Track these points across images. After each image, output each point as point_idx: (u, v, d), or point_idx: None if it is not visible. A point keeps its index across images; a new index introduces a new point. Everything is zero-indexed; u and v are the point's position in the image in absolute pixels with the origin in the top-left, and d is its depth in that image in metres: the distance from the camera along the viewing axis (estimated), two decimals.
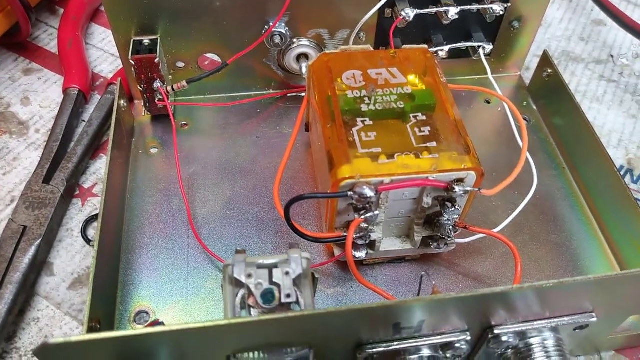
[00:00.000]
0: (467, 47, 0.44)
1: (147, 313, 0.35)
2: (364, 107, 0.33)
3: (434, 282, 0.34)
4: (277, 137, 0.44)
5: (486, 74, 0.43)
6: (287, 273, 0.27)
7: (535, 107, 0.46)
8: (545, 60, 0.44)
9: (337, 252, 0.35)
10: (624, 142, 0.46)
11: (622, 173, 0.44)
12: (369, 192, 0.30)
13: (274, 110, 0.46)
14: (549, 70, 0.44)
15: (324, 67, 0.36)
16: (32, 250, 0.36)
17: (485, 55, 0.44)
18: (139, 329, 0.24)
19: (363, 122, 0.33)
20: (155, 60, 0.40)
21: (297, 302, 0.27)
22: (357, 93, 0.34)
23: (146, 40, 0.41)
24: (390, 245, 0.35)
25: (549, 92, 0.44)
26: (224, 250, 0.37)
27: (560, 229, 0.39)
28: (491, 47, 0.44)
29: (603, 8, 0.53)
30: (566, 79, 0.50)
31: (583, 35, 0.55)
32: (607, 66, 0.52)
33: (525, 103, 0.47)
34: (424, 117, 0.33)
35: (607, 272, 0.37)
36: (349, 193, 0.30)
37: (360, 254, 0.34)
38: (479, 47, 0.44)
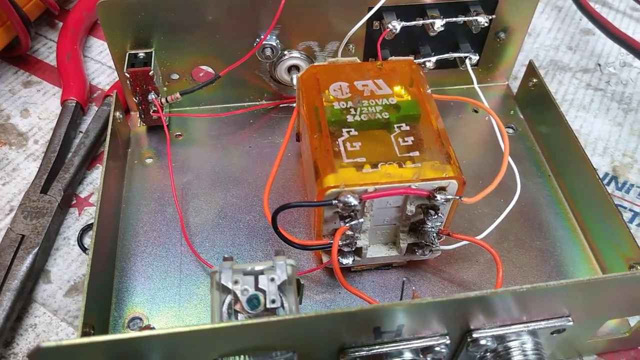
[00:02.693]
0: (454, 57, 0.45)
1: (140, 319, 0.36)
2: (350, 118, 0.35)
3: (413, 287, 0.35)
4: (269, 146, 0.45)
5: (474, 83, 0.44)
6: (272, 279, 0.28)
7: (522, 116, 0.47)
8: (531, 70, 0.45)
9: (324, 259, 0.36)
10: (610, 149, 0.46)
11: (607, 180, 0.44)
12: (353, 201, 0.31)
13: (267, 121, 0.47)
14: (535, 80, 0.45)
15: (312, 78, 0.37)
16: (29, 259, 0.37)
17: (472, 66, 0.45)
18: (130, 333, 0.25)
19: (348, 132, 0.34)
20: (150, 73, 0.41)
21: (282, 307, 0.28)
22: (343, 104, 0.35)
23: (141, 54, 0.42)
24: (377, 252, 0.36)
25: (534, 101, 0.45)
26: (216, 258, 0.38)
27: (545, 236, 0.40)
28: (477, 57, 0.45)
29: (590, 18, 0.54)
30: (553, 88, 0.51)
31: (571, 44, 0.56)
32: (594, 75, 0.52)
33: (512, 112, 0.48)
34: (408, 128, 0.34)
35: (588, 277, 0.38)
36: (334, 202, 0.31)
37: (347, 261, 0.35)
38: (465, 57, 0.44)
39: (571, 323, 0.29)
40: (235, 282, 0.28)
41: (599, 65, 0.53)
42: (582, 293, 0.27)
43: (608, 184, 0.44)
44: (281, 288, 0.28)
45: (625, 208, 0.43)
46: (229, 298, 0.28)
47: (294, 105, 0.45)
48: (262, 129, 0.46)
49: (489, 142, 0.45)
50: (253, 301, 0.28)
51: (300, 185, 0.42)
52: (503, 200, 0.40)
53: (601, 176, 0.45)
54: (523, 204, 0.41)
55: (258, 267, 0.29)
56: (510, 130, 0.46)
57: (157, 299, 0.36)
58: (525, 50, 0.54)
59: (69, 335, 0.36)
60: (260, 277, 0.28)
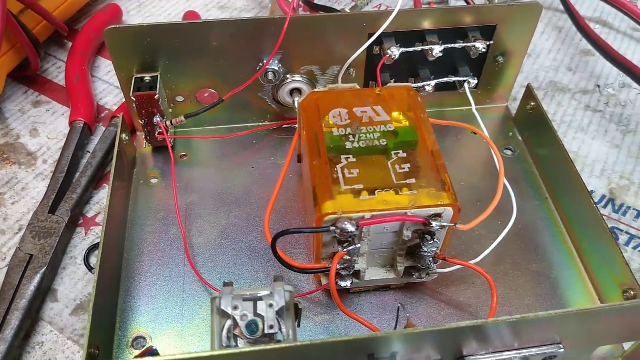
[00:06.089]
0: (453, 81, 0.46)
1: (144, 338, 0.36)
2: (349, 145, 0.35)
3: (408, 315, 0.35)
4: (272, 167, 0.46)
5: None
6: (270, 305, 0.29)
7: (520, 138, 0.48)
8: (529, 93, 0.46)
9: (324, 281, 0.37)
10: (607, 171, 0.47)
11: (603, 203, 0.45)
12: (350, 227, 0.32)
13: (269, 142, 0.48)
14: (533, 104, 0.46)
15: (313, 105, 0.38)
16: (37, 278, 0.38)
17: (471, 89, 0.46)
18: None
19: (347, 159, 0.35)
20: (156, 97, 0.42)
21: (280, 332, 0.29)
22: (342, 131, 0.36)
23: (147, 78, 0.43)
24: (375, 274, 0.37)
25: (532, 124, 0.46)
26: (218, 279, 0.39)
27: (541, 259, 0.40)
28: (476, 81, 0.45)
29: (589, 39, 0.55)
30: (552, 109, 0.52)
31: (571, 65, 0.56)
32: (593, 96, 0.53)
33: (511, 134, 0.48)
34: (405, 155, 0.35)
35: (585, 301, 0.38)
36: (332, 228, 0.32)
37: (346, 283, 0.36)
38: (464, 81, 0.45)
39: (562, 350, 0.29)
40: (235, 308, 0.29)
41: (598, 86, 0.54)
42: (573, 322, 0.28)
43: (605, 206, 0.45)
44: (279, 313, 0.29)
45: (622, 231, 0.43)
46: (228, 323, 0.29)
47: (296, 126, 0.46)
48: (265, 149, 0.47)
49: (487, 164, 0.46)
50: (252, 327, 0.29)
51: (301, 206, 0.43)
52: (500, 223, 0.40)
53: (598, 198, 0.45)
54: (520, 226, 0.42)
55: (257, 294, 0.30)
56: (509, 152, 0.47)
57: (161, 318, 0.37)
58: (525, 72, 0.55)
59: (74, 353, 0.37)
60: (259, 303, 0.29)
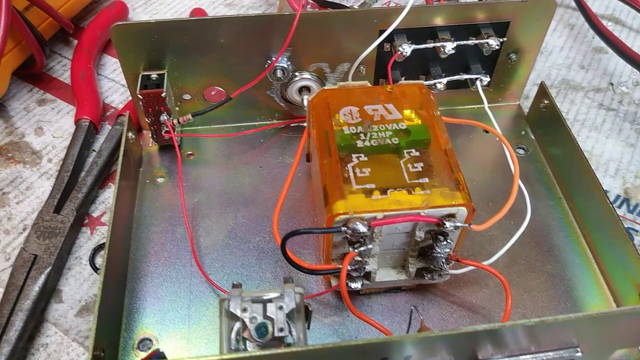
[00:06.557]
0: (465, 78, 0.45)
1: (150, 340, 0.36)
2: (360, 143, 0.35)
3: (422, 318, 0.34)
4: (280, 166, 0.45)
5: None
6: (280, 307, 0.29)
7: (533, 137, 0.47)
8: (542, 91, 0.45)
9: (333, 282, 0.36)
10: (622, 171, 0.46)
11: (618, 203, 0.44)
12: (361, 228, 0.31)
13: (277, 140, 0.47)
14: (546, 102, 0.45)
15: (323, 102, 0.37)
16: (42, 279, 0.38)
17: (483, 86, 0.45)
18: None
19: (358, 157, 0.34)
20: (162, 95, 0.41)
21: (290, 335, 0.28)
22: (353, 129, 0.35)
23: (154, 75, 0.42)
24: (386, 275, 0.36)
25: (546, 123, 0.45)
26: (225, 279, 0.38)
27: (556, 259, 0.40)
28: (488, 79, 0.45)
29: (602, 36, 0.54)
30: (565, 108, 0.51)
31: (583, 63, 0.55)
32: (607, 94, 0.52)
33: (523, 132, 0.47)
34: (418, 153, 0.34)
35: (600, 303, 0.37)
36: (343, 228, 0.31)
37: (356, 285, 0.35)
38: (476, 79, 0.44)
39: (579, 354, 0.28)
40: (244, 310, 0.28)
41: (612, 84, 0.53)
42: (592, 325, 0.27)
43: (619, 206, 0.44)
44: (289, 316, 0.29)
45: (637, 231, 0.43)
46: (237, 325, 0.29)
47: (305, 124, 0.46)
48: (273, 148, 0.46)
49: (499, 163, 0.45)
50: (261, 329, 0.28)
51: (310, 206, 0.43)
52: (513, 223, 0.39)
53: (613, 198, 0.44)
54: (534, 226, 0.41)
55: (267, 296, 0.29)
56: (521, 151, 0.46)
57: (167, 320, 0.37)
58: (537, 69, 0.54)
59: (79, 355, 0.36)
60: (269, 305, 0.29)
